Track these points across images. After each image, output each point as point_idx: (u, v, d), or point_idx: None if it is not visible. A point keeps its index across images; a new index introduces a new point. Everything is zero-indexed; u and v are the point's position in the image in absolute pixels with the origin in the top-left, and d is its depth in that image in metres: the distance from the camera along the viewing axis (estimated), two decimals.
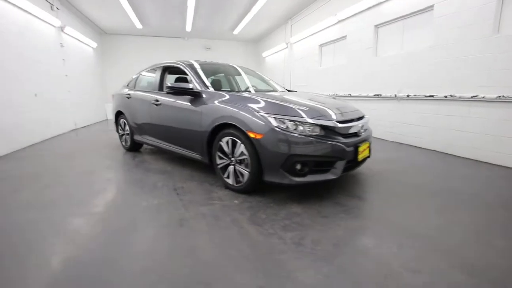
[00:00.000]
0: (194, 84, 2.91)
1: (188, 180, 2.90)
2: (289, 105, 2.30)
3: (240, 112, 2.35)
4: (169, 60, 3.64)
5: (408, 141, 4.55)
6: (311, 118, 2.20)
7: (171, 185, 2.74)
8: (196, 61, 3.43)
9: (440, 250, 1.61)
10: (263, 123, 2.19)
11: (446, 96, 3.79)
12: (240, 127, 2.28)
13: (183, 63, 3.28)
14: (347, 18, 5.73)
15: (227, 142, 2.46)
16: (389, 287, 1.31)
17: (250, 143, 2.26)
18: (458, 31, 3.60)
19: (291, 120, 2.16)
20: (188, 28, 9.13)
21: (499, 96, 3.17)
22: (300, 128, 2.16)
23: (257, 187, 2.42)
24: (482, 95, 3.34)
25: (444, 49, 3.81)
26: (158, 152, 4.34)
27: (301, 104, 2.39)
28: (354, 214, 2.09)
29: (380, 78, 5.03)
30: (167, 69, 3.63)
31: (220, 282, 1.35)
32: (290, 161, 2.11)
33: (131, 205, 2.27)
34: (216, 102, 2.64)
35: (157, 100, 3.36)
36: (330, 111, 2.37)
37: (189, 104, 2.89)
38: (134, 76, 4.34)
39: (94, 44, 8.86)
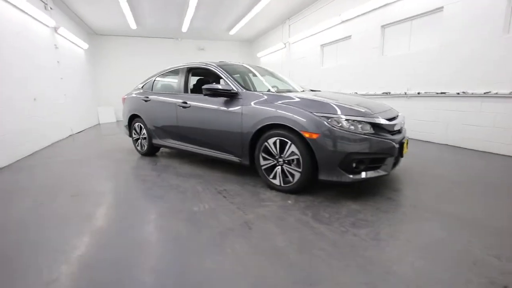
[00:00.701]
0: (230, 85, 2.88)
1: (227, 183, 2.86)
2: (338, 104, 2.34)
3: (290, 112, 2.35)
4: (194, 62, 3.57)
5: (419, 137, 4.74)
6: (362, 116, 2.25)
7: (213, 189, 2.69)
8: (220, 62, 3.39)
9: (507, 234, 1.71)
10: (317, 122, 2.21)
11: (458, 93, 4.00)
12: (293, 127, 2.29)
13: (212, 64, 3.23)
14: (352, 19, 5.87)
15: (274, 143, 2.46)
16: (484, 272, 1.38)
17: (303, 143, 2.27)
18: (468, 31, 3.81)
19: (345, 119, 2.20)
20: (184, 28, 8.97)
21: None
22: (352, 127, 2.20)
23: (307, 187, 2.44)
24: (495, 91, 3.56)
25: (454, 48, 4.02)
26: (177, 155, 4.24)
27: (346, 103, 2.43)
28: (411, 208, 2.15)
29: (388, 76, 5.21)
30: (191, 71, 3.55)
31: (324, 282, 1.35)
32: (348, 159, 2.15)
33: (184, 212, 2.21)
34: (255, 103, 2.63)
35: (185, 103, 3.29)
36: (376, 109, 2.44)
37: (225, 105, 2.85)
38: (150, 78, 4.20)
39: (86, 46, 8.48)
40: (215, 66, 3.16)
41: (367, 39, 5.60)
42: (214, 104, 2.97)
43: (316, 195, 2.44)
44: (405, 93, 4.85)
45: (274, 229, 1.88)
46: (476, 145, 3.91)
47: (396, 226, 1.88)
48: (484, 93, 3.68)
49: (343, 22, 6.13)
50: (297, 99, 2.48)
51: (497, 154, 3.66)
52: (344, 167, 2.18)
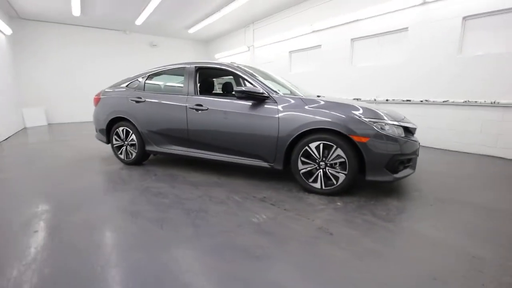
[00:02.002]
0: (259, 88, 2.77)
1: (261, 190, 2.74)
2: (377, 110, 2.52)
3: (335, 118, 2.42)
4: (204, 61, 3.31)
5: None
6: (398, 121, 2.50)
7: (252, 197, 2.55)
8: (232, 63, 3.24)
9: None
10: (367, 126, 2.34)
11: (421, 101, 4.77)
12: (342, 131, 2.36)
13: (233, 66, 3.07)
14: (322, 30, 6.33)
15: (317, 147, 2.49)
16: None
17: (350, 146, 2.37)
18: (430, 49, 4.60)
19: (386, 123, 2.40)
20: (139, 21, 8.12)
21: (465, 101, 4.25)
22: (390, 130, 2.42)
23: (351, 188, 2.56)
24: (452, 100, 4.40)
25: (417, 63, 4.79)
26: (169, 162, 3.81)
27: (378, 109, 2.65)
28: (440, 202, 2.45)
29: (357, 84, 5.82)
30: (199, 71, 3.27)
31: (446, 274, 1.46)
32: (393, 160, 2.35)
33: (245, 224, 2.03)
34: (291, 106, 2.62)
35: (199, 105, 3.01)
36: (398, 116, 2.73)
37: (255, 109, 2.75)
38: (137, 77, 3.66)
39: (8, 31, 6.80)
40: (239, 68, 3.01)
41: (337, 50, 6.14)
42: (241, 107, 2.81)
43: (357, 195, 2.57)
44: (375, 100, 5.51)
45: (352, 232, 1.92)
46: (435, 143, 4.74)
47: (444, 217, 2.15)
48: (443, 101, 4.50)
49: (313, 32, 6.56)
50: (334, 103, 2.57)
51: (451, 150, 4.52)
52: (389, 168, 2.38)
